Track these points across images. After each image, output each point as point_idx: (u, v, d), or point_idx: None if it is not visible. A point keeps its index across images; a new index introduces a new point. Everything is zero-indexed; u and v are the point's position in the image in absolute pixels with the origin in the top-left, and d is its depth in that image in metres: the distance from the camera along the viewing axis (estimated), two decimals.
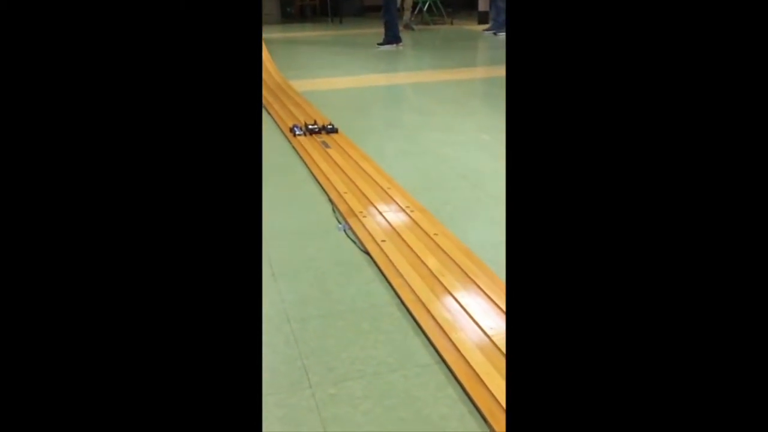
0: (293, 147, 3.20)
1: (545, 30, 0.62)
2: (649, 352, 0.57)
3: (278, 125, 3.66)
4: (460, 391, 1.36)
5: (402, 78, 5.41)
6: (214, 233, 0.61)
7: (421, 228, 2.17)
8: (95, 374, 0.58)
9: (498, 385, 1.35)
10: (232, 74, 0.63)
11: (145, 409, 0.58)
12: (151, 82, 0.61)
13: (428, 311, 1.66)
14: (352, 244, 2.10)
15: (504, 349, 1.47)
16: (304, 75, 5.39)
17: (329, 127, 3.44)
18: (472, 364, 1.43)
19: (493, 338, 1.53)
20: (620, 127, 0.60)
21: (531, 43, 0.62)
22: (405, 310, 1.69)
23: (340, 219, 2.31)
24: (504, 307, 1.66)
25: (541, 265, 0.60)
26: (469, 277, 1.83)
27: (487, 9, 8.41)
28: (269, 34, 8.76)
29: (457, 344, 1.51)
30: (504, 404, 1.29)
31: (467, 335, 1.54)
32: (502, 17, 7.62)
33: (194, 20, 0.62)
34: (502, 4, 7.62)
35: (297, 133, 3.36)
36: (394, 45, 6.88)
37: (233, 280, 0.60)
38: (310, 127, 3.41)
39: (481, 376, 1.39)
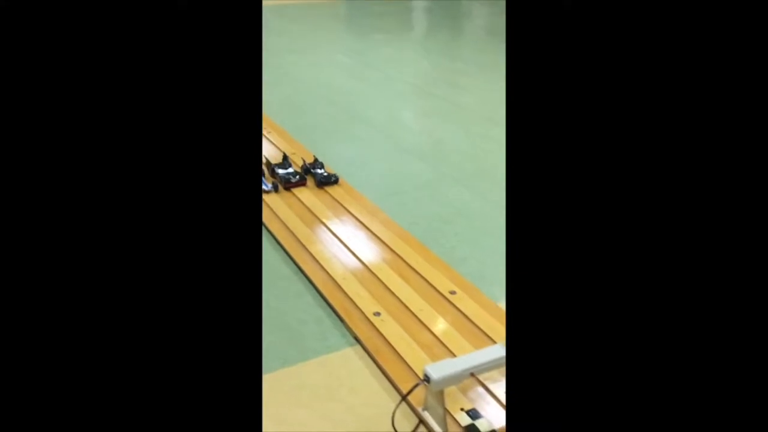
0: None
1: (545, 26, 0.60)
2: (653, 350, 0.58)
3: None
4: (319, 297, 1.42)
5: None
6: (215, 229, 0.60)
7: (281, 151, 2.17)
8: (93, 372, 0.58)
9: (353, 289, 1.42)
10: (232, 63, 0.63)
11: (144, 408, 0.58)
12: (150, 78, 0.60)
13: (287, 227, 1.69)
14: None
15: (362, 257, 1.54)
16: None
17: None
18: (330, 272, 1.49)
19: (351, 247, 1.59)
20: (619, 124, 0.59)
21: (531, 39, 0.61)
22: (264, 228, 1.70)
23: None
24: (365, 221, 1.72)
25: (540, 265, 0.60)
26: (329, 194, 1.87)
27: None
28: None
29: (315, 256, 1.55)
30: (359, 304, 1.37)
31: (326, 247, 1.59)
32: None
33: (194, 19, 0.60)
34: None
35: None
36: None
37: (233, 278, 0.60)
38: None
39: (338, 281, 1.45)
